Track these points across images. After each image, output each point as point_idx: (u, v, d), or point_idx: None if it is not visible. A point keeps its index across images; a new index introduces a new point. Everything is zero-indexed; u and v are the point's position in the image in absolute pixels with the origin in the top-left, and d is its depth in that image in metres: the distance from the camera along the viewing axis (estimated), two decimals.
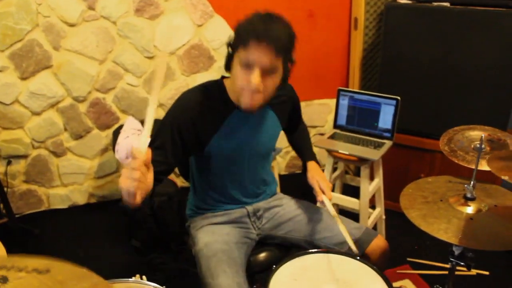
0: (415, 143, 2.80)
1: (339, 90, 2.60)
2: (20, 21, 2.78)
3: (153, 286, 1.41)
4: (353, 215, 2.57)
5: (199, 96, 1.60)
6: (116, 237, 2.90)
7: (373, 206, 2.71)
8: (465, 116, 2.59)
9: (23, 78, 2.92)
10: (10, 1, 2.72)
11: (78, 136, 3.14)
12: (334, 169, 2.72)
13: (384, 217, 2.73)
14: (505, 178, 1.20)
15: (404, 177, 2.42)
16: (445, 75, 2.63)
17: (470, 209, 1.38)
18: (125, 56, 3.01)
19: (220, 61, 3.17)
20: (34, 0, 2.76)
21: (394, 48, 2.74)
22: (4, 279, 0.78)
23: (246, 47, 1.40)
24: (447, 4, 2.55)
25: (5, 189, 2.88)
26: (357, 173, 2.88)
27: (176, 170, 1.82)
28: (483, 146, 1.48)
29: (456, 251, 1.46)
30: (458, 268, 1.51)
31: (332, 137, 2.59)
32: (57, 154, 3.16)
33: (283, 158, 3.59)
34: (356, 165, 2.46)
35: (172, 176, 2.94)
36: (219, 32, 3.09)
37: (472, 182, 1.38)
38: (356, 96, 2.55)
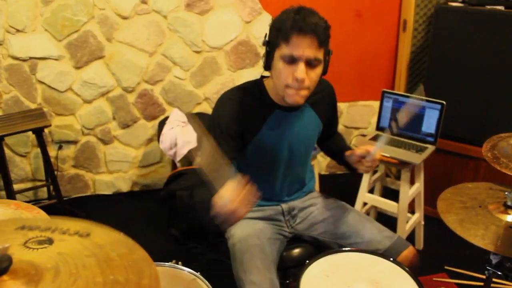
0: (459, 149, 2.73)
1: (384, 92, 2.57)
2: (78, 12, 2.92)
3: (188, 271, 1.46)
4: (391, 219, 2.55)
5: (239, 95, 1.62)
6: (156, 225, 2.99)
7: (412, 211, 2.68)
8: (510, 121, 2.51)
9: (77, 67, 3.05)
10: None
11: (125, 125, 3.26)
12: (375, 172, 2.70)
13: (423, 222, 2.68)
14: None
15: (446, 184, 2.35)
16: (493, 81, 2.56)
17: (510, 218, 1.35)
18: (174, 49, 3.10)
19: None
20: None
21: (442, 51, 2.68)
22: (50, 241, 0.85)
23: (288, 42, 1.42)
24: (501, 7, 2.48)
25: (55, 172, 3.03)
26: (398, 177, 2.85)
27: None
28: None
29: (494, 260, 1.43)
30: (495, 280, 1.48)
31: (374, 138, 2.57)
32: (104, 142, 3.29)
33: (324, 158, 3.59)
34: (397, 168, 2.44)
35: None
36: (267, 29, 3.11)
37: None
38: (401, 98, 2.52)
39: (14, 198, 2.73)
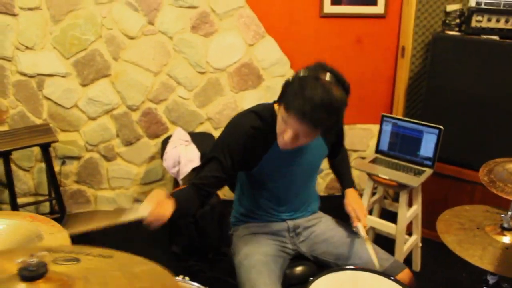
0: (456, 173, 2.80)
1: (383, 116, 2.65)
2: (86, 32, 3.00)
3: (197, 286, 1.50)
4: (389, 241, 2.60)
5: (251, 120, 1.69)
6: (157, 242, 3.02)
7: (410, 233, 2.73)
8: (508, 149, 2.58)
9: (84, 85, 3.13)
10: (79, 13, 2.95)
11: (128, 143, 3.32)
12: (373, 193, 2.76)
13: (420, 244, 2.73)
14: None
15: (443, 207, 2.41)
16: (489, 107, 2.64)
17: (506, 239, 1.41)
18: (178, 70, 3.18)
19: (268, 81, 3.28)
20: (100, 14, 2.97)
21: (439, 78, 2.77)
22: (77, 260, 0.90)
23: (288, 112, 1.46)
24: (496, 37, 2.58)
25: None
26: (396, 199, 2.90)
27: None
28: None
29: (491, 280, 1.48)
30: None
31: (373, 161, 2.64)
32: (107, 158, 3.34)
33: (323, 179, 3.65)
34: (395, 190, 2.50)
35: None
36: (269, 53, 3.21)
37: (509, 213, 1.42)
38: (400, 123, 2.60)
39: None
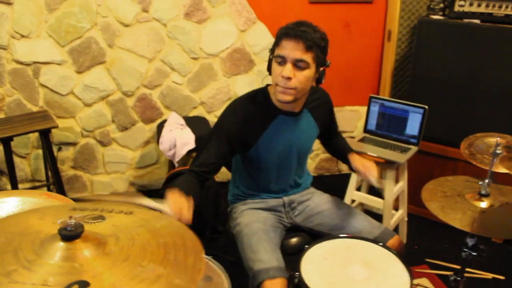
0: (440, 151, 2.95)
1: (371, 97, 2.78)
2: (81, 20, 3.06)
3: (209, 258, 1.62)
4: (376, 216, 2.74)
5: (247, 104, 1.81)
6: None
7: (396, 209, 2.88)
8: (489, 126, 2.72)
9: (79, 72, 3.19)
10: (74, 1, 3.00)
11: (123, 128, 3.40)
12: None
13: (406, 219, 2.89)
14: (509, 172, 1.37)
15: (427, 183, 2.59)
16: (471, 87, 2.79)
17: (483, 204, 1.56)
18: (172, 56, 3.26)
19: (260, 65, 3.38)
20: (95, 1, 3.03)
21: (424, 60, 2.91)
22: (102, 217, 1.02)
23: (279, 45, 1.64)
24: (477, 21, 2.71)
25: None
26: (383, 177, 3.04)
27: None
28: (500, 151, 1.65)
29: (470, 242, 1.63)
30: (473, 271, 1.66)
31: (362, 140, 2.77)
32: (103, 144, 3.43)
33: (312, 160, 3.78)
34: (382, 167, 2.64)
35: None
36: (261, 38, 3.31)
37: (486, 180, 1.56)
38: (386, 103, 2.73)
39: None
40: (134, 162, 3.53)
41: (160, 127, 3.17)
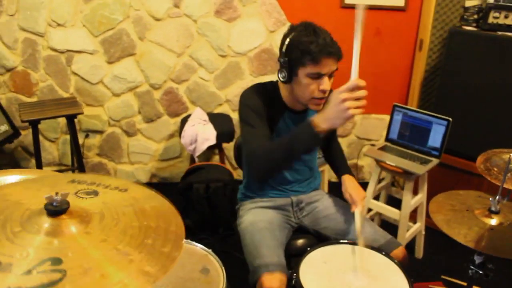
0: (463, 165, 2.86)
1: (394, 106, 2.73)
2: (115, 11, 3.14)
3: (200, 247, 1.63)
4: (394, 227, 2.69)
5: (260, 91, 1.81)
6: None
7: (415, 221, 2.81)
8: None
9: (110, 62, 3.27)
10: None
11: (149, 120, 3.46)
12: (381, 180, 2.85)
13: (423, 232, 2.81)
14: None
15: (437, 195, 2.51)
16: (500, 102, 2.69)
17: (493, 221, 1.50)
18: (201, 52, 3.30)
19: None
20: None
21: (453, 71, 2.82)
22: (96, 193, 1.04)
23: (318, 63, 1.61)
24: (511, 34, 2.62)
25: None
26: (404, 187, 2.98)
27: (233, 162, 2.05)
28: None
29: (477, 260, 1.57)
30: None
31: (383, 148, 2.72)
32: (128, 134, 3.50)
33: None
34: (401, 177, 2.58)
35: (228, 167, 3.18)
36: None
37: (497, 197, 1.50)
38: (410, 113, 2.67)
39: None
40: (157, 154, 3.58)
41: (184, 121, 3.21)
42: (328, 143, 2.14)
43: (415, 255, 2.87)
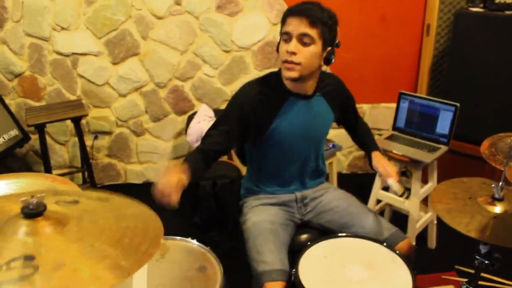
0: (476, 152, 2.76)
1: (400, 93, 2.67)
2: (117, 12, 3.14)
3: (198, 245, 1.61)
4: (405, 217, 2.63)
5: (259, 86, 1.78)
6: (181, 213, 3.16)
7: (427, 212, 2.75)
8: None
9: (114, 63, 3.28)
10: None
11: (156, 119, 3.47)
12: None
13: (435, 222, 2.75)
14: None
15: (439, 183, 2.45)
16: (510, 85, 2.60)
17: (497, 209, 1.44)
18: (204, 48, 3.28)
19: None
20: None
21: (461, 55, 2.75)
22: (76, 202, 1.04)
23: (285, 23, 1.66)
24: None
25: (90, 160, 3.26)
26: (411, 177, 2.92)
27: None
28: None
29: (483, 250, 1.52)
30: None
31: (390, 138, 2.66)
32: (136, 134, 3.51)
33: (345, 157, 3.69)
34: (408, 166, 2.52)
35: (236, 163, 3.16)
36: None
37: (500, 183, 1.44)
38: (416, 100, 2.61)
39: None
40: (166, 153, 3.58)
41: (190, 119, 3.20)
42: (352, 126, 2.09)
43: (428, 245, 2.81)
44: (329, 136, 2.39)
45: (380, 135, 2.80)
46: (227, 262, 1.92)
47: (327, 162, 2.92)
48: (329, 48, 1.68)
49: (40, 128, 2.78)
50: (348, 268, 1.53)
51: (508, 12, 2.57)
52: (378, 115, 3.53)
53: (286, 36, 1.65)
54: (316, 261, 1.58)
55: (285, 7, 3.19)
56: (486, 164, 2.74)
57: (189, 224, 3.01)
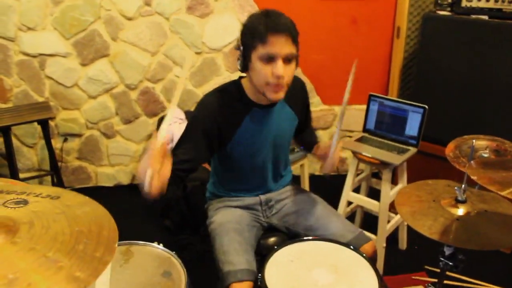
0: (444, 153, 2.81)
1: (370, 96, 2.68)
2: (85, 13, 3.08)
3: (162, 249, 1.59)
4: (375, 218, 2.65)
5: (220, 98, 1.72)
6: (153, 217, 3.13)
7: (397, 212, 2.77)
8: (492, 127, 2.59)
9: (83, 64, 3.22)
10: None
11: (127, 121, 3.42)
12: (360, 172, 2.81)
13: (406, 223, 2.77)
14: (474, 178, 1.26)
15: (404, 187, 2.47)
16: (478, 87, 2.65)
17: (460, 211, 1.46)
18: (175, 50, 3.25)
19: None
20: None
21: (429, 58, 2.79)
22: (25, 202, 1.00)
23: (265, 42, 1.52)
24: (485, 17, 2.57)
25: (59, 163, 3.19)
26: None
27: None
28: (485, 154, 1.55)
29: (447, 251, 1.53)
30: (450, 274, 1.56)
31: (360, 140, 2.68)
32: (107, 136, 3.45)
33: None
34: (378, 168, 2.54)
35: (207, 166, 3.13)
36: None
37: (462, 186, 1.45)
38: (386, 102, 2.62)
39: None
40: (137, 155, 3.54)
41: (161, 121, 3.16)
42: (301, 131, 2.04)
43: (398, 246, 2.83)
44: None
45: (350, 137, 2.81)
46: (199, 264, 1.91)
47: (298, 164, 2.93)
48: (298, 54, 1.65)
49: (5, 131, 2.71)
50: (314, 272, 1.53)
51: (474, 16, 2.61)
52: (349, 117, 3.55)
53: (267, 57, 1.53)
54: (282, 265, 1.56)
55: (256, 8, 3.19)
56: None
57: (160, 228, 2.97)
